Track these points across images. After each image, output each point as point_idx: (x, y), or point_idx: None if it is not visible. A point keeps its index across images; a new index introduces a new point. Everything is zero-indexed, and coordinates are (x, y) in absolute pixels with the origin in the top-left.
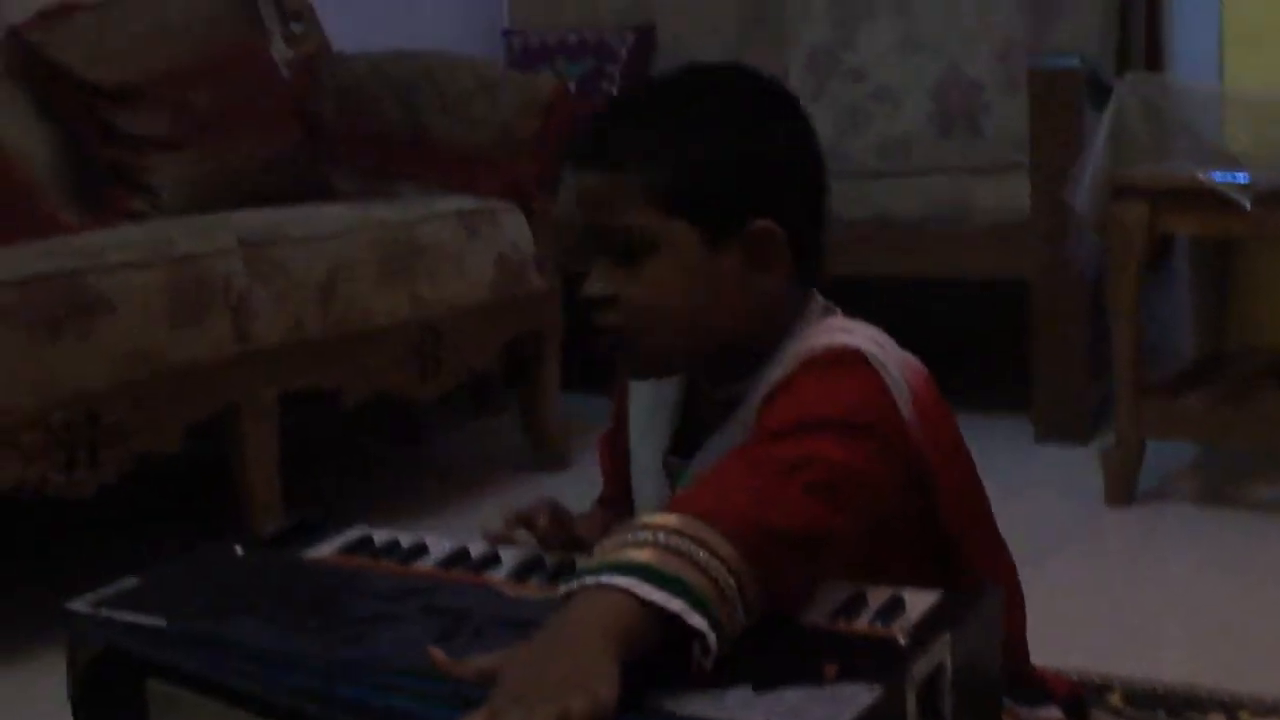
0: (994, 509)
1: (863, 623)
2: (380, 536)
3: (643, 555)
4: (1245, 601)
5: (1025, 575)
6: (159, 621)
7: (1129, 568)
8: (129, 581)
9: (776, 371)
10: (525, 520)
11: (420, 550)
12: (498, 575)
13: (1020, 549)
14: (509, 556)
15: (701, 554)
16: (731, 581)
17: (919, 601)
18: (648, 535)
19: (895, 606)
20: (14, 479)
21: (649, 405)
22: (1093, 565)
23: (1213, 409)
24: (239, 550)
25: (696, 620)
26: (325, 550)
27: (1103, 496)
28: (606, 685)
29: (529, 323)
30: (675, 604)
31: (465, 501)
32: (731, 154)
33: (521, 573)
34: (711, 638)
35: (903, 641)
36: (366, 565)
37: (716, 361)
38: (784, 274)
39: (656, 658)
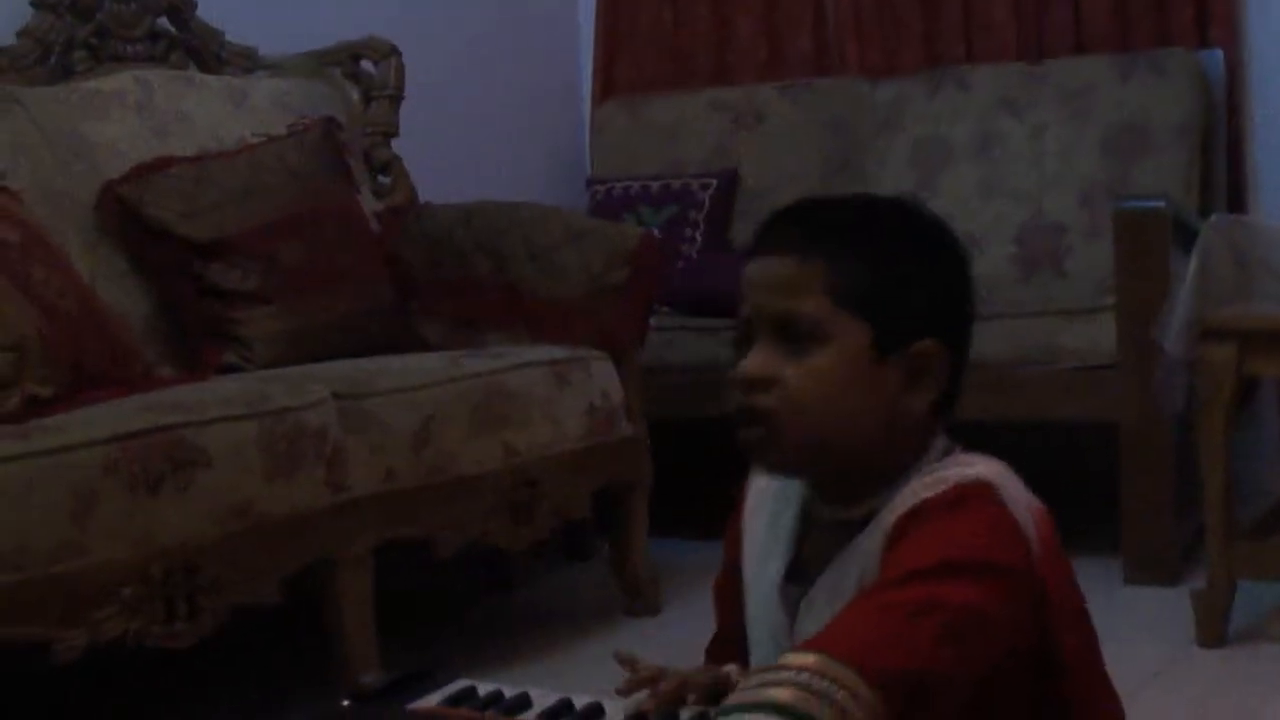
0: None
1: None
2: (484, 689)
3: (784, 695)
4: None
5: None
6: None
7: (1222, 710)
8: None
9: (903, 500)
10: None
11: (524, 702)
12: None
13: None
14: (613, 709)
15: (840, 694)
16: None
17: None
18: (788, 675)
19: None
20: (116, 631)
21: (764, 535)
22: (1186, 708)
23: None
24: (346, 704)
25: None
26: (430, 702)
27: (1194, 638)
28: None
29: (619, 471)
30: None
31: (558, 648)
32: (914, 267)
33: None
34: None
35: None
36: (471, 717)
37: (843, 476)
38: (933, 401)
39: None
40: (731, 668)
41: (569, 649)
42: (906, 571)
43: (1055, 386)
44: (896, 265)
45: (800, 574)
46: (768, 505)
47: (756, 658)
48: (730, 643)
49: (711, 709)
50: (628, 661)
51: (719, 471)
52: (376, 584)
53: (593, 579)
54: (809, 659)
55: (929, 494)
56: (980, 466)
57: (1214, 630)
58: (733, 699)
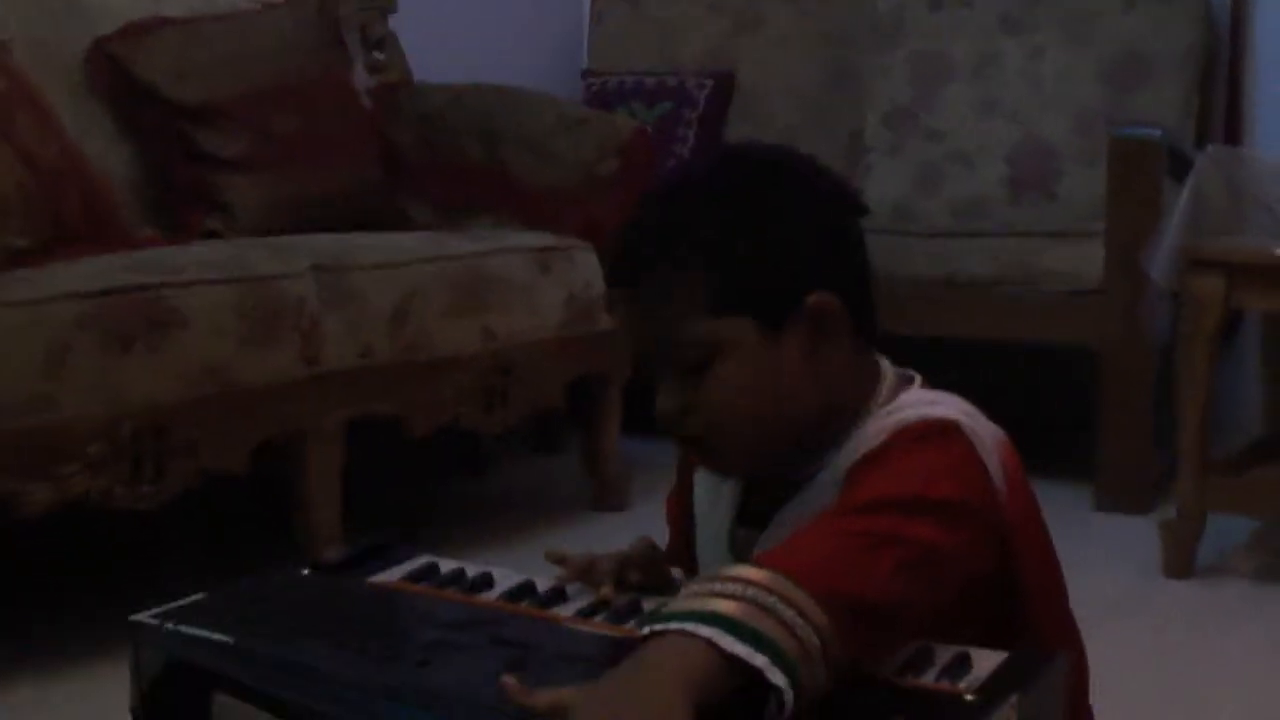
0: None
1: (929, 679)
2: (446, 566)
3: (729, 607)
4: None
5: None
6: (225, 638)
7: (1184, 642)
8: (195, 598)
9: (864, 444)
10: (588, 569)
11: (486, 582)
12: (564, 612)
13: (1078, 618)
14: (575, 593)
15: (789, 613)
16: (816, 643)
17: (986, 661)
18: (736, 588)
19: (962, 664)
20: (80, 489)
21: (711, 485)
22: (1148, 637)
23: (1278, 485)
24: (306, 573)
25: (778, 678)
26: (391, 577)
27: (1161, 568)
28: None
29: (595, 363)
30: (758, 659)
31: (524, 537)
32: (768, 237)
33: (588, 611)
34: (789, 696)
35: (970, 699)
36: (432, 593)
37: (796, 451)
38: (847, 343)
39: (727, 706)
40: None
41: (535, 538)
42: (870, 499)
43: (1037, 309)
44: (752, 243)
45: (751, 518)
46: None
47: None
48: (680, 558)
49: (653, 596)
50: (557, 559)
51: None
52: (346, 460)
53: (563, 471)
54: (759, 574)
55: (888, 433)
56: (942, 405)
57: (1181, 561)
58: (675, 605)
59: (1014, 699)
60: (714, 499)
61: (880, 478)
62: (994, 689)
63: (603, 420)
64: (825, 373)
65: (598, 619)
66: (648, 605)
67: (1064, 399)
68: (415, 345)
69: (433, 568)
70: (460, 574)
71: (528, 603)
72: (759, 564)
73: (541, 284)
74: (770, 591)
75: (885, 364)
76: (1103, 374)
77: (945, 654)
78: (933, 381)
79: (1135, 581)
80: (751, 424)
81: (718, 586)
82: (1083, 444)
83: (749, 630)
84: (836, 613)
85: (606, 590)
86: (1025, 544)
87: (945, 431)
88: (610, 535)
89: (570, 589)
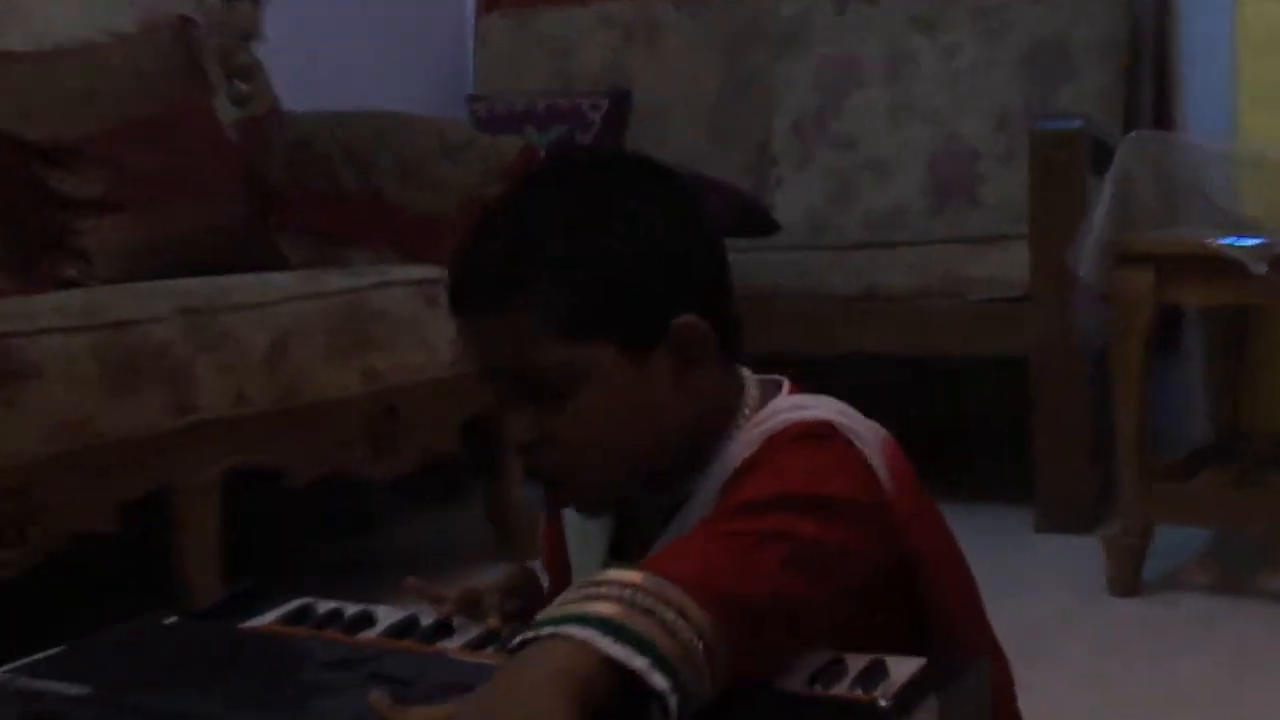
0: (992, 602)
1: (842, 688)
2: (323, 606)
3: (606, 609)
4: (1261, 699)
5: (1025, 670)
6: (84, 690)
7: (1135, 662)
8: (53, 651)
9: (735, 458)
10: (472, 602)
11: (366, 620)
12: (449, 644)
13: (1020, 643)
14: (462, 626)
15: (669, 614)
16: (699, 645)
17: (902, 668)
18: (613, 590)
19: (877, 672)
20: None
21: (580, 524)
22: (1097, 660)
23: (1226, 492)
24: (170, 621)
25: (658, 681)
26: (263, 621)
27: (1106, 587)
28: None
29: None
30: (638, 661)
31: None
32: (631, 255)
33: (477, 643)
34: (673, 700)
35: (884, 704)
36: (308, 634)
37: (658, 478)
38: (715, 364)
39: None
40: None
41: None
42: (750, 499)
43: (962, 320)
44: (615, 261)
45: (626, 553)
46: None
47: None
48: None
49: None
50: (418, 589)
51: None
52: (226, 517)
53: (465, 522)
54: (637, 576)
55: (760, 442)
56: (815, 408)
57: (1127, 578)
58: (549, 611)
59: (933, 703)
60: (584, 538)
61: (758, 480)
62: (911, 694)
63: (505, 464)
64: (692, 396)
65: (488, 650)
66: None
67: (997, 415)
68: (293, 389)
69: (308, 609)
70: (338, 614)
71: (412, 639)
72: (636, 568)
73: (428, 318)
74: (648, 593)
75: (746, 373)
76: (1034, 384)
77: (859, 662)
78: (854, 402)
79: (1080, 602)
80: (615, 455)
81: (593, 590)
82: (1021, 463)
83: (628, 631)
84: (720, 613)
85: (494, 621)
86: (922, 544)
87: (820, 432)
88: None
89: (457, 622)
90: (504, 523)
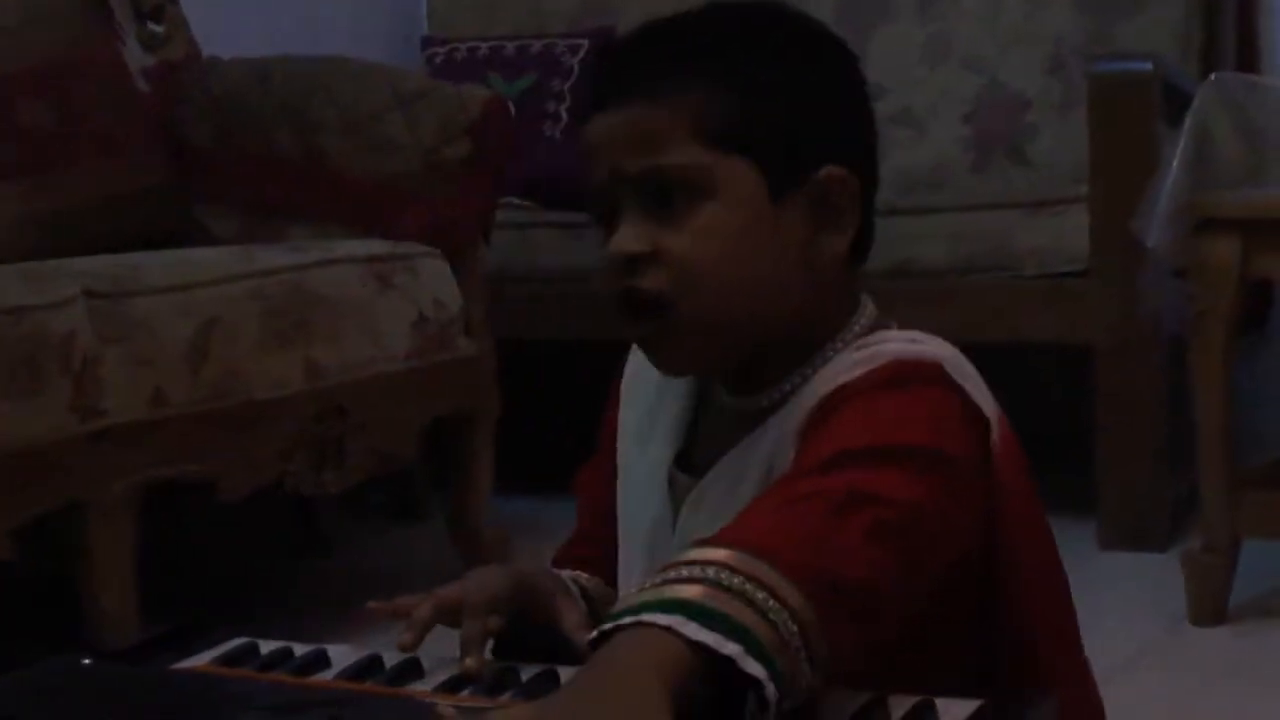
0: None
1: None
2: (268, 646)
3: (689, 591)
4: None
5: None
6: None
7: (1221, 702)
8: None
9: (827, 377)
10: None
11: (319, 661)
12: (418, 687)
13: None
14: (432, 666)
15: (760, 595)
16: (794, 628)
17: (955, 710)
18: (695, 570)
19: (924, 714)
20: None
21: (645, 416)
22: (1176, 699)
23: None
24: (88, 662)
25: (754, 667)
26: (198, 662)
27: (1186, 614)
28: None
29: (457, 400)
30: (730, 647)
31: (381, 625)
32: (794, 83)
33: (452, 685)
34: (770, 689)
35: None
36: (248, 678)
37: (757, 358)
38: (848, 240)
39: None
40: (574, 575)
41: (393, 625)
42: (830, 455)
43: (1012, 300)
44: (772, 85)
45: (690, 462)
46: (651, 382)
47: (626, 556)
48: (588, 543)
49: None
50: (382, 611)
51: (584, 405)
52: (144, 540)
53: (427, 541)
54: (719, 553)
55: (860, 371)
56: (929, 344)
57: (1211, 604)
58: (626, 601)
59: None
60: (646, 433)
61: (843, 426)
62: None
63: (470, 474)
64: (819, 266)
65: (465, 693)
66: (526, 674)
67: (1055, 413)
68: (221, 388)
69: (250, 649)
70: (287, 654)
71: (374, 681)
72: (716, 541)
73: (380, 303)
74: (735, 571)
75: (870, 300)
76: (1099, 376)
77: (904, 703)
78: None
79: (1156, 631)
80: (725, 288)
81: (673, 573)
82: (1084, 469)
83: (716, 614)
84: (814, 594)
85: (472, 663)
86: (1019, 535)
87: (922, 373)
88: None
89: (427, 662)
90: (470, 543)
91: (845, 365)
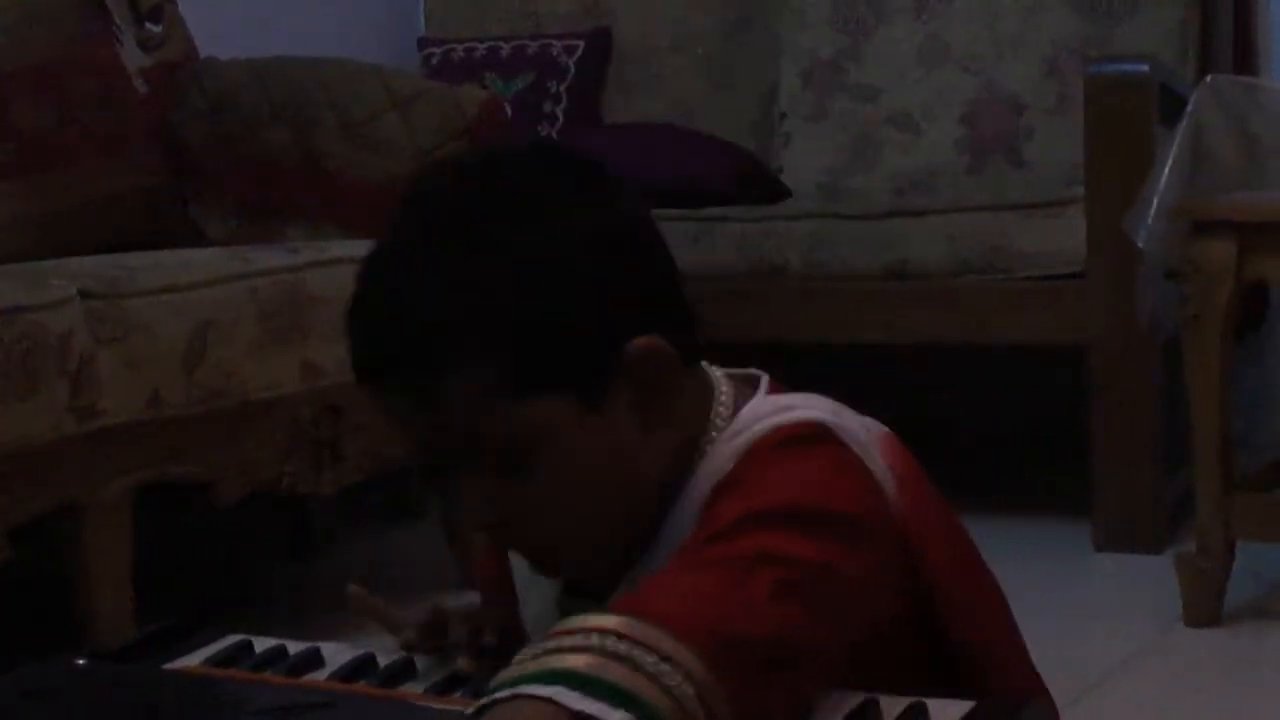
0: (1045, 632)
1: None
2: (262, 644)
3: (575, 661)
4: None
5: (1085, 715)
6: None
7: (1216, 704)
8: None
9: (712, 476)
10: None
11: (313, 660)
12: (412, 688)
13: (1080, 681)
14: (427, 668)
15: (650, 659)
16: (691, 693)
17: (947, 711)
18: (579, 639)
19: (917, 715)
20: None
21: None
22: (1170, 702)
23: None
24: (82, 662)
25: None
26: (191, 661)
27: (1181, 616)
28: None
29: None
30: (615, 716)
31: (376, 626)
32: (565, 286)
33: (444, 686)
34: None
35: None
36: (243, 677)
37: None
38: (681, 381)
39: None
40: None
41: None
42: (730, 521)
43: (1007, 301)
44: (544, 308)
45: (583, 588)
46: None
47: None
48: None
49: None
50: (367, 605)
51: None
52: (138, 538)
53: (420, 542)
54: (609, 620)
55: (743, 450)
56: (802, 408)
57: (1205, 606)
58: (508, 672)
59: None
60: (534, 578)
61: (739, 498)
62: None
63: None
64: (662, 425)
65: (457, 695)
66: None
67: (1049, 414)
68: (217, 388)
69: (244, 648)
70: (281, 653)
71: (368, 681)
72: (609, 611)
73: None
74: (623, 638)
75: (715, 373)
76: (1094, 378)
77: (896, 705)
78: (880, 398)
79: (1150, 632)
80: (593, 519)
81: (558, 642)
82: (1076, 469)
83: (601, 683)
84: (713, 656)
85: (465, 663)
86: (938, 560)
87: (808, 435)
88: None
89: (421, 662)
90: (465, 543)
91: (724, 456)
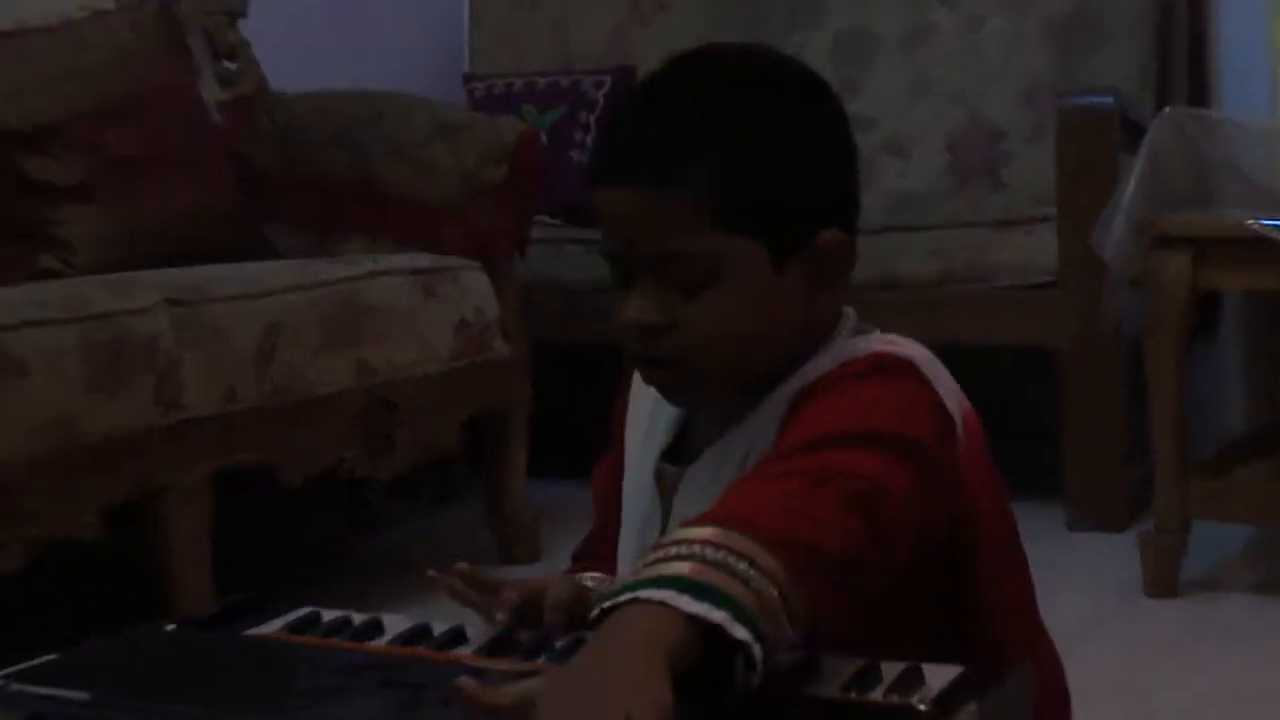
0: None
1: (877, 694)
2: (329, 615)
3: (680, 568)
4: None
5: None
6: (84, 696)
7: (1172, 666)
8: (48, 657)
9: (809, 375)
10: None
11: (374, 628)
12: (464, 651)
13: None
14: (475, 634)
15: (741, 565)
16: (774, 593)
17: (940, 675)
18: (683, 549)
19: (913, 678)
20: None
21: (649, 410)
22: (1131, 665)
23: (1267, 487)
24: (171, 629)
25: (740, 632)
26: (268, 629)
27: (1142, 588)
28: (662, 694)
29: (494, 397)
30: (717, 615)
31: (424, 596)
32: (794, 158)
33: (491, 648)
34: (756, 649)
35: (923, 709)
36: (314, 644)
37: (756, 378)
38: (842, 285)
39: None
40: (592, 576)
41: (435, 598)
42: (806, 439)
43: (987, 307)
44: (772, 162)
45: (681, 454)
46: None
47: (624, 545)
48: (604, 541)
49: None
50: (461, 574)
51: (606, 400)
52: (216, 520)
53: (465, 522)
54: (704, 531)
55: (834, 365)
56: (900, 346)
57: (1164, 578)
58: (623, 580)
59: (973, 709)
60: (645, 437)
61: (819, 413)
62: (949, 700)
63: (506, 462)
64: (815, 311)
65: (507, 658)
66: (559, 641)
67: (1025, 409)
68: (284, 385)
69: (315, 617)
70: (346, 622)
71: (423, 646)
72: (702, 520)
73: (425, 310)
74: (718, 546)
75: (848, 310)
76: (1064, 376)
77: (894, 669)
78: None
79: (1114, 603)
80: (734, 352)
81: (663, 553)
82: (1049, 457)
83: (703, 587)
84: (789, 561)
85: (502, 617)
86: (981, 517)
87: (895, 367)
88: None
89: (471, 629)
90: (505, 525)
91: (823, 363)
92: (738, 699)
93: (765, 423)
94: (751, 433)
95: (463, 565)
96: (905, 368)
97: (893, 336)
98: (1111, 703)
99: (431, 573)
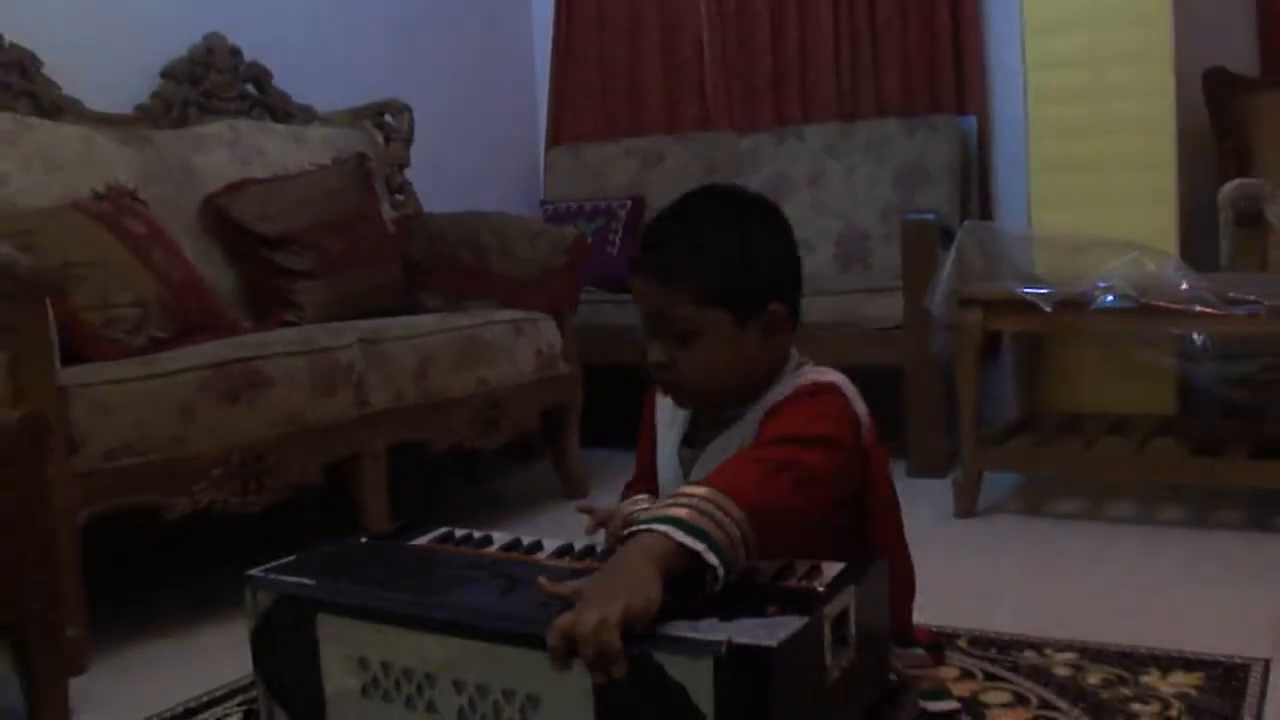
0: None
1: (793, 581)
2: (459, 532)
3: (680, 512)
4: (1049, 580)
5: None
6: (310, 582)
7: (972, 559)
8: (287, 559)
9: (774, 396)
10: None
11: (486, 541)
12: (541, 555)
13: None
14: (548, 544)
15: (720, 514)
16: (738, 535)
17: (830, 569)
18: (684, 500)
19: (814, 571)
20: (206, 500)
21: (669, 415)
22: (947, 559)
23: (1028, 450)
24: (364, 540)
25: (711, 558)
26: (422, 540)
27: (953, 512)
28: (654, 590)
29: (558, 397)
30: (699, 545)
31: (513, 519)
32: (751, 257)
33: (558, 553)
34: (720, 571)
35: (820, 589)
36: (450, 550)
37: (735, 398)
38: (787, 339)
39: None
40: (642, 498)
41: (524, 521)
42: (774, 436)
43: (862, 342)
44: (739, 260)
45: (693, 442)
46: (669, 399)
47: (662, 497)
48: (644, 479)
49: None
50: (586, 509)
51: (629, 401)
52: (390, 475)
53: (539, 474)
54: (700, 490)
55: (790, 390)
56: (827, 374)
57: (966, 506)
58: (643, 515)
59: (851, 590)
60: (670, 426)
61: (781, 421)
62: (836, 584)
63: (566, 436)
64: (768, 354)
65: (567, 559)
66: (602, 549)
67: (885, 403)
68: (432, 391)
69: (450, 534)
70: (469, 537)
71: (517, 552)
72: (701, 484)
73: (518, 345)
74: (708, 500)
75: (795, 352)
76: (908, 384)
77: (803, 566)
78: None
79: (937, 521)
80: (714, 380)
81: (672, 501)
82: (900, 434)
83: (693, 527)
84: (753, 516)
85: (589, 529)
86: (876, 477)
87: (828, 390)
88: (577, 517)
89: (546, 542)
90: (565, 474)
91: (783, 387)
92: (705, 597)
93: (748, 426)
94: (740, 433)
95: (583, 502)
96: (832, 389)
97: (823, 368)
98: (936, 579)
99: (576, 505)
